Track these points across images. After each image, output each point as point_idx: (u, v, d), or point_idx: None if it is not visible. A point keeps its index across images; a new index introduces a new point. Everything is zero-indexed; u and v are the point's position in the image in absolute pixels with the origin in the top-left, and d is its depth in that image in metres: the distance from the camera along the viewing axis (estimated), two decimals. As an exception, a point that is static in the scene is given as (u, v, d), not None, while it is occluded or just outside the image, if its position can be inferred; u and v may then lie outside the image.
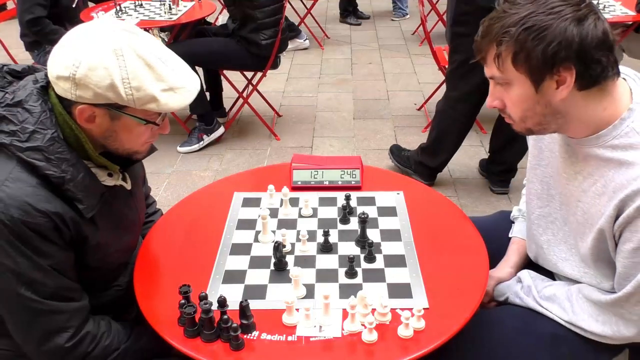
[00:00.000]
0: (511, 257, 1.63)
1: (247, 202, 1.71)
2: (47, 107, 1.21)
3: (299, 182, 1.77)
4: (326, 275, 1.41)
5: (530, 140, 1.52)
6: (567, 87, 1.18)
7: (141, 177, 1.59)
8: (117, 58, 1.15)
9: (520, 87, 1.22)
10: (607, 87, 1.20)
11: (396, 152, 3.52)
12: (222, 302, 1.21)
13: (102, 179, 1.30)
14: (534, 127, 1.29)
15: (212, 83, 4.12)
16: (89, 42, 1.16)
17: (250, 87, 4.13)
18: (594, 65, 1.16)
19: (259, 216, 1.58)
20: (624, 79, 1.26)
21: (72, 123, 1.22)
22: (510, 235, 1.70)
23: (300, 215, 1.65)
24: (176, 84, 1.21)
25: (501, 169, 3.27)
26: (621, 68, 1.24)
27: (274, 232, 1.56)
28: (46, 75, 1.24)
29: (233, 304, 1.25)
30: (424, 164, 3.31)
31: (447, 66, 3.30)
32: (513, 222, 1.73)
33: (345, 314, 1.26)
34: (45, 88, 1.24)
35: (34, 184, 1.17)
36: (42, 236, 1.18)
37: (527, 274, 1.51)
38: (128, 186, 1.41)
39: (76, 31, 1.20)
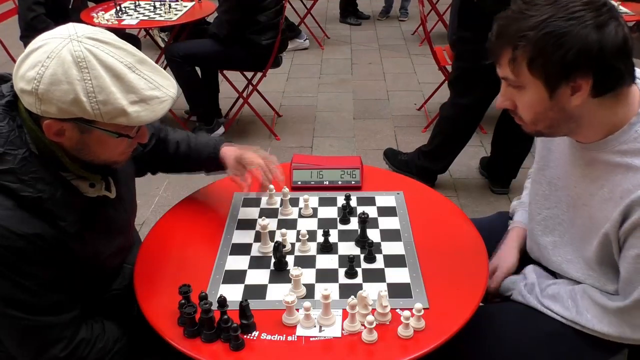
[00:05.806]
0: (512, 242, 1.61)
1: (247, 202, 1.71)
2: (15, 124, 1.15)
3: (299, 182, 1.77)
4: (326, 275, 1.41)
5: (539, 141, 1.51)
6: (582, 94, 1.16)
7: (130, 174, 1.51)
8: (80, 70, 1.07)
9: (534, 91, 1.19)
10: (621, 92, 1.19)
11: (392, 156, 3.49)
12: (222, 302, 1.21)
13: (84, 191, 1.25)
14: (545, 130, 1.27)
15: (209, 85, 4.10)
16: (51, 53, 1.07)
17: (250, 87, 4.13)
18: (611, 73, 1.13)
19: (259, 225, 1.52)
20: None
21: (45, 138, 1.15)
22: (511, 227, 1.68)
23: (300, 215, 1.65)
24: (148, 94, 1.13)
25: (503, 169, 3.26)
26: None
27: (273, 232, 1.56)
28: (12, 86, 1.17)
29: (233, 304, 1.25)
30: (427, 168, 3.29)
31: (450, 73, 3.29)
32: (511, 219, 1.72)
33: (345, 314, 1.26)
34: (14, 102, 1.17)
35: (10, 206, 1.12)
36: (24, 258, 1.13)
37: (531, 271, 1.50)
38: (112, 195, 1.33)
39: (40, 40, 1.11)
